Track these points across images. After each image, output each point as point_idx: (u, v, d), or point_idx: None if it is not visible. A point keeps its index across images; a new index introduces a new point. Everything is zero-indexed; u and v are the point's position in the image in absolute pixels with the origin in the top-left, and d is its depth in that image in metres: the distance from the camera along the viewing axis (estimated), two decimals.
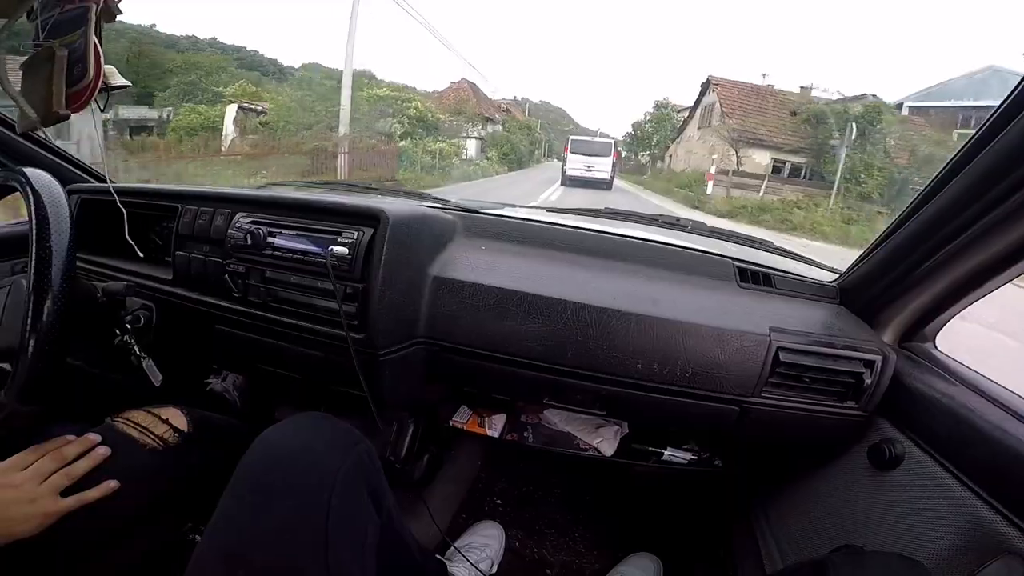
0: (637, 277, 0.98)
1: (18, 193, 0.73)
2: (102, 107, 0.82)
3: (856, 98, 17.20)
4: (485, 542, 1.25)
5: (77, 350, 0.96)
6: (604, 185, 16.79)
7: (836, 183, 14.41)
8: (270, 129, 14.94)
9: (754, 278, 1.02)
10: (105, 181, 1.17)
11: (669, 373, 0.86)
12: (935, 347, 0.93)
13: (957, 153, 0.70)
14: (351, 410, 0.98)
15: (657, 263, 1.04)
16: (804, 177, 17.27)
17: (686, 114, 26.61)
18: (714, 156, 18.04)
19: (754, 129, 18.39)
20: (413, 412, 1.18)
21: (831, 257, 1.10)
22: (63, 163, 1.23)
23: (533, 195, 12.33)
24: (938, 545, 0.71)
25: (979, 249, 0.73)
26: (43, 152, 1.18)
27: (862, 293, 0.97)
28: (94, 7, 0.72)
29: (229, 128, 15.16)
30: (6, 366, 0.70)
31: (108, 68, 0.77)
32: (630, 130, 36.46)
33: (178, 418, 0.86)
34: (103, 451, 0.74)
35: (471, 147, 24.14)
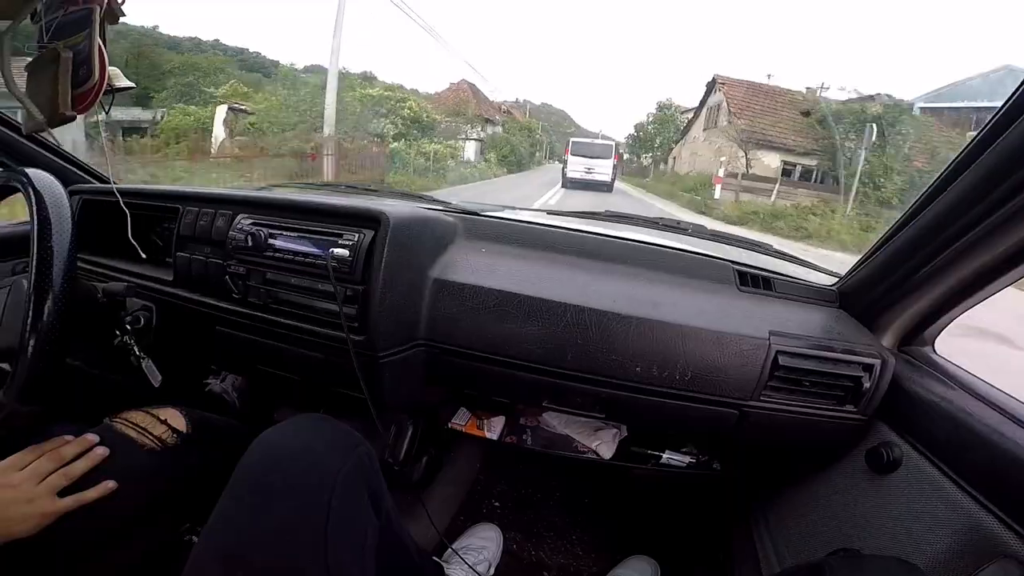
0: (637, 280, 0.98)
1: (20, 194, 0.73)
2: (107, 109, 0.82)
3: (869, 98, 16.03)
4: (483, 544, 1.25)
5: (77, 350, 0.97)
6: (604, 187, 16.81)
7: (854, 188, 13.46)
8: (258, 130, 14.48)
9: (754, 282, 1.02)
10: (108, 182, 1.17)
11: (668, 376, 0.86)
12: (934, 351, 0.93)
13: (956, 158, 0.70)
14: (351, 412, 0.98)
15: (657, 266, 1.04)
16: (815, 181, 16.36)
17: (690, 116, 25.82)
18: (722, 159, 16.93)
19: (763, 130, 17.37)
20: (413, 414, 1.18)
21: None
22: (65, 164, 1.23)
23: (531, 199, 11.75)
24: (935, 548, 0.71)
25: (978, 253, 0.73)
26: (45, 153, 1.19)
27: (862, 297, 0.97)
28: (98, 9, 0.72)
29: (219, 129, 14.72)
30: (6, 366, 0.70)
31: (112, 70, 0.78)
32: (632, 132, 36.18)
33: (177, 419, 0.86)
34: (101, 451, 0.74)
35: (470, 149, 23.67)
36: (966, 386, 0.81)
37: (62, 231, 0.68)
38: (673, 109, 31.68)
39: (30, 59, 0.77)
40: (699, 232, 1.19)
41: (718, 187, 15.53)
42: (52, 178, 0.73)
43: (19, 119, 1.00)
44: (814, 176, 16.53)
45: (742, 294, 1.00)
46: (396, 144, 16.02)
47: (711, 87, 21.46)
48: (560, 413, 1.20)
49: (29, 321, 0.65)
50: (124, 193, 1.00)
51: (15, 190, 0.74)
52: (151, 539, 0.80)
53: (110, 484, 0.72)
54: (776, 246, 1.18)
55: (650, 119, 33.15)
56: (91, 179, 1.28)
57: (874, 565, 0.73)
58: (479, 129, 26.03)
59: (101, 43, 0.73)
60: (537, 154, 40.53)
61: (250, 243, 0.86)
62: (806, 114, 17.08)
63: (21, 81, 0.78)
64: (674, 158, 27.83)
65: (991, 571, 0.63)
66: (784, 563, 1.01)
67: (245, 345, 0.96)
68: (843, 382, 0.87)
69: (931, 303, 0.85)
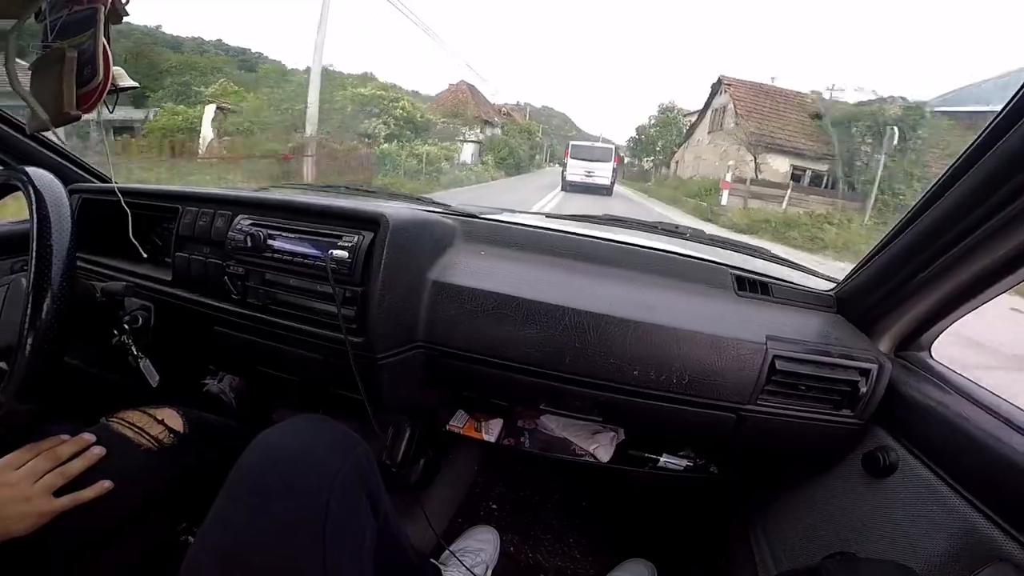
0: (635, 284, 0.99)
1: (20, 192, 0.73)
2: (111, 109, 0.83)
3: (884, 100, 14.87)
4: (480, 547, 1.25)
5: (75, 349, 0.97)
6: (604, 191, 16.78)
7: (872, 195, 12.54)
8: (246, 131, 13.74)
9: (751, 286, 1.03)
10: (108, 181, 1.17)
11: (666, 380, 0.86)
12: (930, 356, 0.94)
13: (954, 164, 0.70)
14: (349, 413, 0.98)
15: (655, 270, 1.04)
16: (826, 186, 15.42)
17: (692, 119, 25.14)
18: (730, 163, 15.98)
19: (772, 133, 16.53)
20: (411, 416, 1.18)
21: None
22: (65, 163, 1.23)
23: (528, 204, 11.10)
24: (931, 552, 0.71)
25: (975, 258, 0.73)
26: (46, 151, 1.19)
27: (859, 302, 0.97)
28: (102, 8, 0.73)
29: (207, 129, 14.03)
30: (4, 364, 0.70)
31: (116, 70, 0.78)
32: (634, 135, 35.23)
33: (174, 419, 0.86)
34: (98, 451, 0.74)
35: (468, 151, 23.15)
36: (962, 391, 0.81)
37: (61, 230, 0.69)
38: (676, 112, 31.04)
39: (35, 58, 0.77)
40: (697, 236, 1.20)
41: (725, 193, 14.59)
42: (52, 177, 0.73)
43: (21, 117, 1.00)
44: (824, 182, 15.67)
45: (740, 299, 1.01)
46: (387, 145, 15.33)
47: (716, 88, 20.86)
48: (558, 416, 1.20)
49: (27, 319, 0.65)
50: (124, 192, 1.00)
51: (15, 188, 0.74)
52: (147, 539, 0.80)
53: (106, 484, 0.72)
54: (785, 255, 1.18)
55: (652, 122, 32.35)
56: (91, 178, 1.28)
57: (871, 569, 0.73)
58: (477, 131, 25.47)
59: (105, 42, 0.74)
60: (537, 157, 40.19)
61: (249, 244, 0.87)
62: (817, 116, 16.14)
63: (25, 80, 0.78)
64: (676, 162, 27.08)
65: (987, 575, 0.63)
66: (781, 567, 1.01)
67: (243, 346, 0.96)
68: (840, 387, 0.87)
69: (928, 308, 0.85)
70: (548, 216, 1.32)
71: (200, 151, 12.60)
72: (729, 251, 1.18)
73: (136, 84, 0.87)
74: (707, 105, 22.05)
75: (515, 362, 0.89)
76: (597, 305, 0.87)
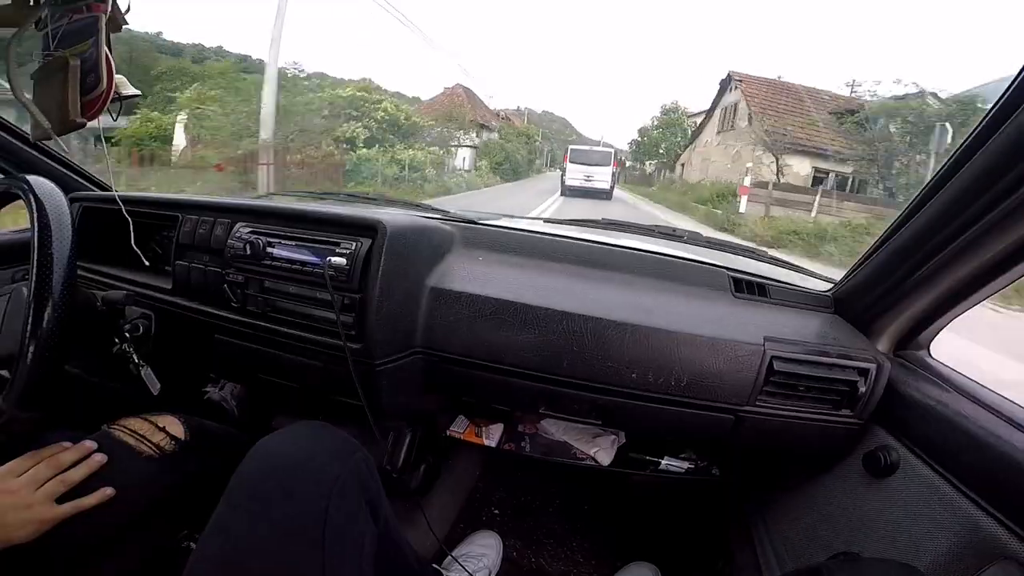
0: (632, 288, 0.99)
1: (21, 201, 0.74)
2: (114, 117, 0.83)
3: (925, 94, 12.83)
4: (482, 552, 1.25)
5: (76, 358, 0.97)
6: (604, 195, 16.73)
7: None
8: (218, 137, 11.95)
9: (749, 288, 1.03)
10: (108, 189, 1.18)
11: (664, 383, 0.86)
12: (929, 354, 0.94)
13: (947, 161, 0.70)
14: (349, 419, 0.98)
15: (653, 273, 1.05)
16: (852, 190, 13.70)
17: (697, 120, 23.89)
18: (748, 165, 14.32)
19: (791, 132, 14.95)
20: (411, 422, 1.18)
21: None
22: (66, 171, 1.24)
23: (525, 210, 10.31)
24: (935, 551, 0.71)
25: (971, 257, 0.73)
26: (46, 160, 1.19)
27: (856, 302, 0.97)
28: (103, 16, 0.73)
29: (179, 137, 12.68)
30: (5, 373, 0.70)
31: (119, 78, 0.78)
32: (636, 137, 33.87)
33: (175, 426, 0.86)
34: (99, 458, 0.74)
35: (464, 156, 22.47)
36: (961, 389, 0.81)
37: (62, 238, 0.69)
38: (680, 112, 30.01)
39: (36, 67, 0.78)
40: (694, 239, 1.20)
41: (743, 199, 12.85)
42: (53, 185, 0.74)
43: (22, 125, 1.01)
44: (849, 185, 14.10)
45: (737, 300, 1.01)
46: (365, 150, 13.92)
47: (726, 85, 19.55)
48: (558, 420, 1.20)
49: (29, 328, 0.65)
50: (125, 201, 1.01)
51: (16, 197, 0.75)
52: (149, 546, 0.80)
53: (108, 491, 0.72)
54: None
55: (655, 123, 30.98)
56: (92, 186, 1.28)
57: (874, 569, 0.73)
58: (473, 135, 24.46)
59: (107, 50, 0.74)
60: (537, 161, 39.80)
61: (248, 251, 0.87)
62: (850, 112, 14.35)
63: (27, 88, 0.79)
64: (682, 165, 25.77)
65: (992, 572, 0.63)
66: (784, 567, 1.00)
67: (243, 353, 0.96)
68: (839, 387, 0.88)
69: (925, 307, 0.85)
70: (546, 221, 1.32)
71: (173, 159, 11.63)
72: (726, 253, 1.18)
73: (139, 92, 0.88)
74: (715, 103, 20.79)
75: (513, 367, 0.89)
76: (594, 309, 0.87)
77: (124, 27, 0.78)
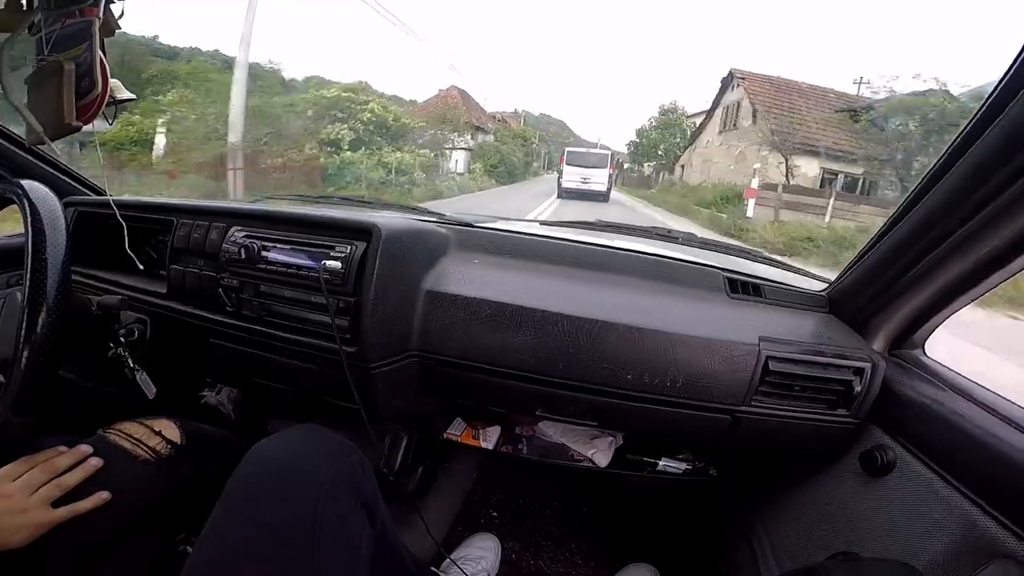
0: (628, 289, 0.99)
1: (15, 205, 0.74)
2: (110, 121, 0.84)
3: (931, 92, 11.66)
4: (481, 554, 1.25)
5: (71, 362, 0.97)
6: (601, 197, 16.71)
7: None
8: (185, 141, 11.00)
9: (744, 288, 1.03)
10: (103, 194, 1.17)
11: (660, 384, 0.87)
12: (924, 353, 0.94)
13: (938, 161, 0.71)
14: (345, 423, 0.98)
15: (648, 275, 1.05)
16: (862, 192, 13.14)
17: (697, 121, 22.60)
18: (755, 166, 13.63)
19: (797, 131, 14.05)
20: (407, 424, 1.18)
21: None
22: (61, 176, 1.24)
23: (521, 213, 9.80)
24: (933, 550, 0.71)
25: (964, 255, 0.73)
26: (41, 164, 1.19)
27: (851, 302, 0.98)
28: (96, 21, 0.73)
29: (160, 140, 11.64)
30: (0, 377, 0.70)
31: (114, 82, 0.79)
32: (634, 138, 32.33)
33: (171, 430, 0.86)
34: (95, 462, 0.74)
35: (460, 159, 21.84)
36: (957, 388, 0.81)
37: (56, 243, 0.69)
38: (678, 113, 29.04)
39: (30, 71, 0.78)
40: (689, 240, 1.20)
41: (751, 202, 12.11)
42: (47, 190, 0.74)
43: (14, 130, 1.00)
44: (860, 187, 13.38)
45: (732, 301, 1.01)
46: (349, 153, 13.09)
47: (727, 83, 18.52)
48: (556, 422, 1.20)
49: (23, 333, 0.65)
50: (119, 205, 1.01)
51: (10, 202, 0.75)
52: (145, 549, 0.80)
53: (104, 495, 0.72)
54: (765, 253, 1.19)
55: (653, 123, 29.78)
56: (87, 191, 1.28)
57: (873, 568, 0.73)
58: (468, 138, 23.63)
59: (102, 55, 0.75)
60: (535, 164, 39.46)
61: (243, 256, 0.87)
62: (864, 110, 13.36)
63: (20, 92, 0.79)
64: (682, 166, 24.50)
65: (990, 571, 0.63)
66: (783, 567, 1.00)
67: (239, 357, 0.96)
68: (834, 386, 0.88)
69: (920, 306, 0.86)
70: (542, 223, 1.32)
71: (153, 163, 10.78)
72: (721, 254, 1.18)
73: (133, 96, 0.88)
74: (716, 102, 19.75)
75: (509, 369, 0.89)
76: (590, 311, 0.87)
77: (120, 31, 0.79)
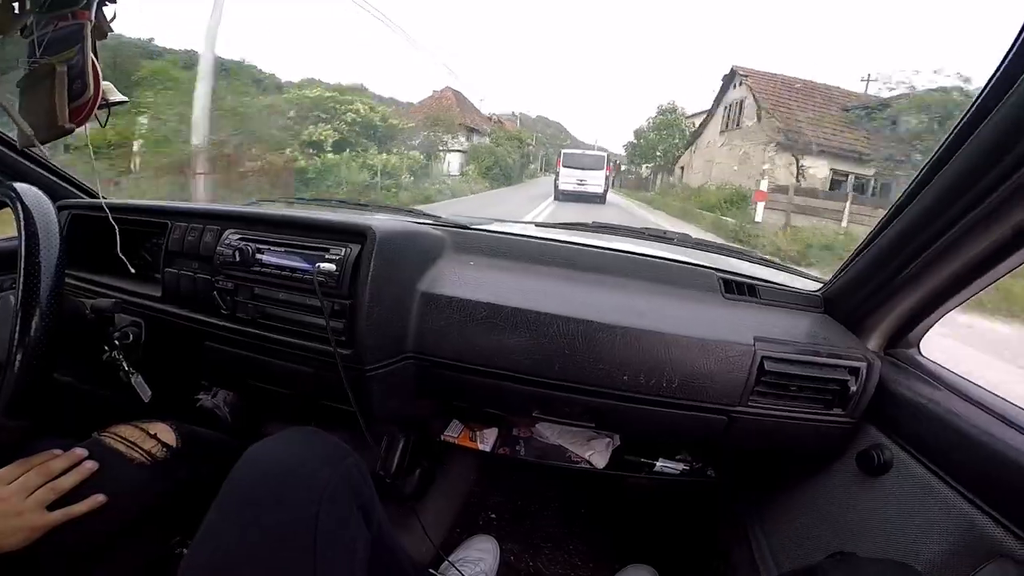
0: (623, 290, 0.99)
1: (8, 208, 0.74)
2: (102, 123, 0.83)
3: (955, 88, 10.60)
4: (480, 556, 1.24)
5: (67, 366, 0.97)
6: (597, 199, 16.70)
7: None
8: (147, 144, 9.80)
9: (739, 289, 1.03)
10: (97, 197, 1.17)
11: (655, 384, 0.87)
12: (919, 352, 0.94)
13: (931, 159, 0.71)
14: (342, 425, 0.98)
15: (643, 276, 1.05)
16: (872, 194, 12.17)
17: (696, 121, 21.52)
18: (764, 167, 12.76)
19: (806, 130, 13.10)
20: (404, 427, 1.18)
21: None
22: (54, 178, 1.23)
23: (518, 216, 9.37)
24: (931, 550, 0.71)
25: (958, 253, 0.74)
26: (34, 167, 1.19)
27: (846, 301, 0.98)
28: (88, 24, 0.73)
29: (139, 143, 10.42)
30: None
31: (106, 85, 0.79)
32: (632, 139, 31.24)
33: (167, 433, 0.86)
34: (90, 465, 0.74)
35: (454, 161, 21.30)
36: (953, 387, 0.81)
37: (50, 247, 0.69)
38: (677, 113, 27.85)
39: (22, 74, 0.78)
40: (684, 241, 1.21)
41: (760, 206, 11.13)
42: (40, 193, 0.74)
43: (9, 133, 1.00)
44: (871, 189, 12.45)
45: (727, 301, 1.01)
46: (331, 155, 12.43)
47: (730, 80, 17.60)
48: (553, 424, 1.20)
49: (16, 337, 0.65)
50: (113, 208, 1.00)
51: (3, 205, 0.75)
52: (140, 553, 0.80)
53: (100, 498, 0.72)
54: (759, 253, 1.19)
55: (651, 124, 28.60)
56: (81, 194, 1.28)
57: (871, 568, 0.73)
58: (462, 139, 22.75)
59: (94, 57, 0.75)
60: (532, 166, 39.27)
61: (238, 258, 0.87)
62: (879, 108, 12.52)
63: (12, 95, 0.79)
64: (682, 168, 23.33)
65: (989, 571, 0.63)
66: (781, 567, 1.00)
67: (234, 360, 0.96)
68: (830, 386, 0.88)
69: (914, 305, 0.86)
70: (538, 225, 1.33)
71: (134, 167, 9.67)
72: (716, 254, 1.19)
73: (126, 98, 0.88)
74: (717, 101, 18.77)
75: (505, 370, 0.89)
76: (585, 312, 0.87)
77: (115, 33, 0.79)
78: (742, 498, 1.22)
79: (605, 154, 18.48)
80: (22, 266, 0.67)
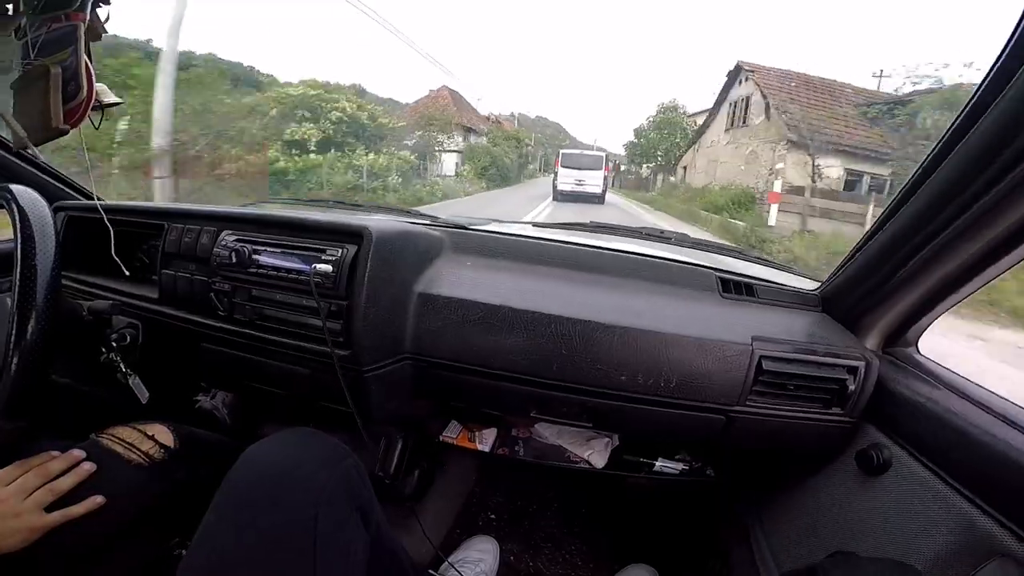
0: (621, 290, 0.99)
1: (3, 210, 0.73)
2: (96, 125, 0.83)
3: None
4: (480, 556, 1.24)
5: (64, 368, 0.96)
6: (596, 199, 16.67)
7: None
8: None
9: (736, 288, 1.03)
10: (92, 198, 1.17)
11: (653, 384, 0.86)
12: (918, 351, 0.94)
13: (928, 156, 0.70)
14: (340, 425, 0.98)
15: (641, 276, 1.05)
16: (890, 194, 9.54)
17: (698, 120, 21.30)
18: (778, 166, 11.98)
19: (820, 128, 12.20)
20: (402, 427, 1.18)
21: None
22: (50, 180, 1.23)
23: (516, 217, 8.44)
24: (931, 549, 0.71)
25: (955, 252, 0.73)
26: (30, 169, 1.18)
27: (843, 300, 0.98)
28: (81, 26, 0.73)
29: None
30: None
31: (100, 86, 0.79)
32: (632, 138, 30.77)
33: (164, 434, 0.86)
34: (88, 467, 0.74)
35: (450, 161, 21.33)
36: (951, 385, 0.81)
37: (46, 248, 0.69)
38: (679, 111, 27.58)
39: (17, 76, 0.77)
40: (682, 240, 1.21)
41: (773, 208, 10.38)
42: (36, 194, 0.73)
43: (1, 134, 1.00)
44: (887, 190, 11.49)
45: (725, 301, 1.01)
46: (312, 155, 11.97)
47: (734, 76, 16.94)
48: (552, 424, 1.20)
49: (12, 339, 0.65)
50: (108, 210, 1.00)
51: None
52: (138, 554, 0.80)
53: (98, 499, 0.72)
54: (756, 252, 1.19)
55: (651, 122, 28.34)
56: (77, 195, 1.27)
57: (871, 568, 0.72)
58: (459, 139, 22.57)
59: (87, 59, 0.74)
60: (530, 166, 39.13)
61: (234, 260, 0.87)
62: (901, 104, 11.80)
63: (5, 98, 0.78)
64: (684, 167, 22.71)
65: (989, 570, 0.63)
66: (782, 567, 1.00)
67: (231, 362, 0.96)
68: (828, 385, 0.88)
69: (912, 303, 0.86)
70: (536, 225, 1.33)
71: (115, 169, 8.76)
72: (713, 253, 1.19)
73: (120, 100, 0.88)
74: (721, 98, 18.18)
75: (502, 371, 0.89)
76: (582, 312, 0.87)
77: (113, 35, 0.79)
78: (742, 498, 1.22)
79: (604, 154, 18.43)
80: (18, 268, 0.66)
